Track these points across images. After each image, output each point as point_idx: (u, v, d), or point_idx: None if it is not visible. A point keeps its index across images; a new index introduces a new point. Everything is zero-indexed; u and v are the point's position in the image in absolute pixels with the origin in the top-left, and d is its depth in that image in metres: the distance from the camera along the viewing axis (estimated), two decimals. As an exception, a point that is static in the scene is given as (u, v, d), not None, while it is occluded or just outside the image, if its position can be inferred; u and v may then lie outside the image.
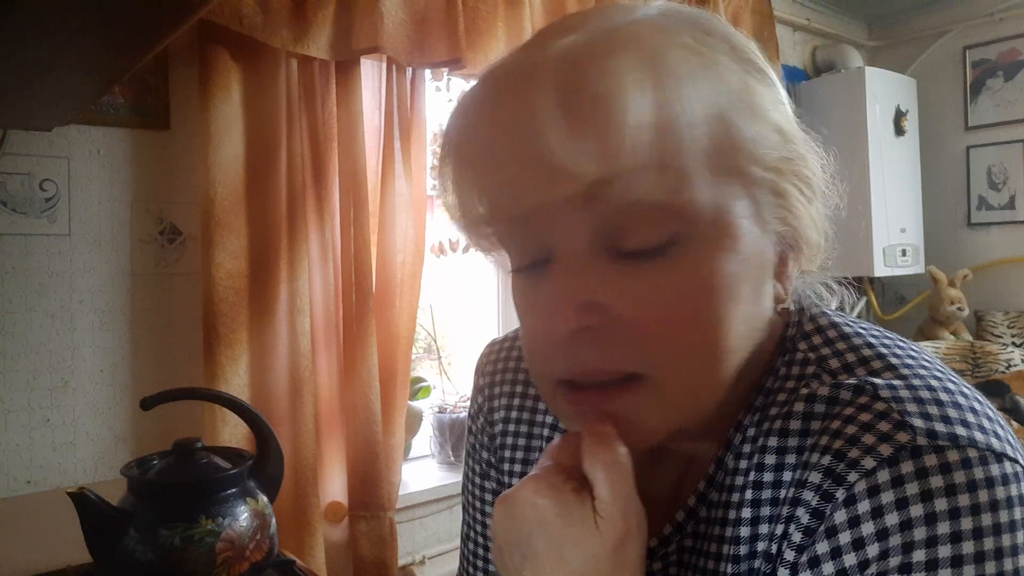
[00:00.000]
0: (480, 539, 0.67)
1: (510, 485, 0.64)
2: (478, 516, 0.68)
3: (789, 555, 0.43)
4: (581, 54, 0.40)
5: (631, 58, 0.39)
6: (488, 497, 0.67)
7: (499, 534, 0.47)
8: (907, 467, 0.39)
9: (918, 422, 0.41)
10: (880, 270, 2.81)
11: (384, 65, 1.67)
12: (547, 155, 0.39)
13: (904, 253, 2.90)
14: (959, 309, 2.88)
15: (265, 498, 1.01)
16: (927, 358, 0.47)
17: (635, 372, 0.43)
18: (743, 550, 0.47)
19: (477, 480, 0.68)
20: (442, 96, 1.88)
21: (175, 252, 1.51)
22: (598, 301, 0.42)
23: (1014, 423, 2.31)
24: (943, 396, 0.43)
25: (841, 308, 0.59)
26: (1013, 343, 2.86)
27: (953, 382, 0.45)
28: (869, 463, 0.40)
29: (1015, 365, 2.63)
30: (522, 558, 0.45)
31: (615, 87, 0.39)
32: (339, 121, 1.60)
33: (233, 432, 1.45)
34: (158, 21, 0.76)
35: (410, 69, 1.68)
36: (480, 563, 0.67)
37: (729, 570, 0.47)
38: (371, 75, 1.73)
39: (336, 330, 1.62)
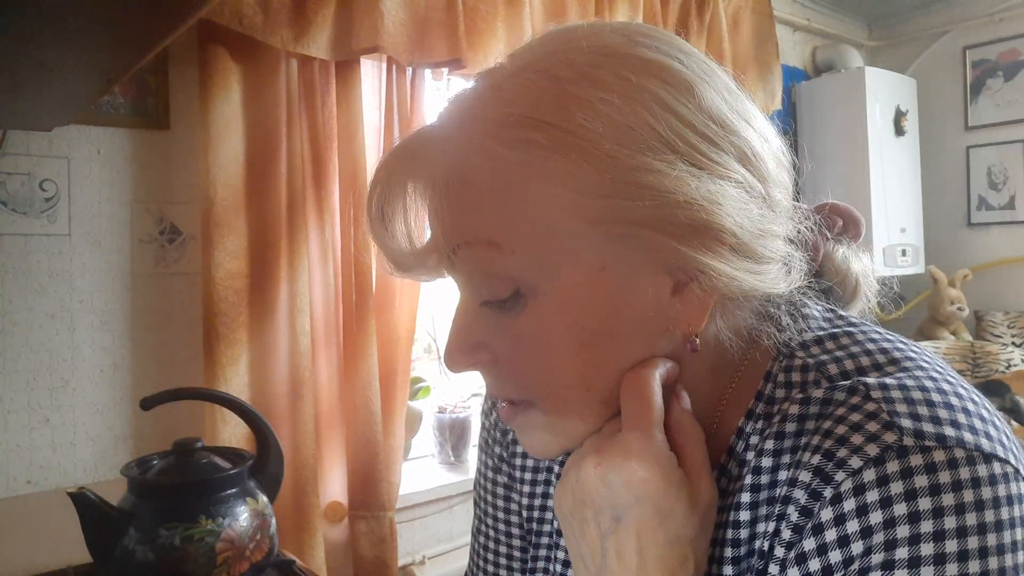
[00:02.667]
0: (491, 532, 0.68)
1: (522, 480, 0.65)
2: (489, 510, 0.68)
3: (779, 552, 0.44)
4: (416, 150, 0.47)
5: (442, 157, 0.45)
6: (500, 491, 0.67)
7: (590, 493, 0.48)
8: (892, 466, 0.40)
9: (906, 422, 0.41)
10: (880, 270, 2.81)
11: (384, 65, 1.67)
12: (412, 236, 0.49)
13: (904, 253, 2.90)
14: (959, 309, 2.88)
15: (265, 498, 1.01)
16: (927, 358, 0.47)
17: (521, 399, 0.49)
18: (742, 551, 0.47)
19: (489, 475, 0.68)
20: (442, 96, 1.88)
21: (175, 252, 1.51)
22: (484, 341, 0.48)
23: (1014, 423, 2.31)
24: (935, 396, 0.43)
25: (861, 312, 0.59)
26: (1013, 343, 2.86)
27: (949, 382, 0.44)
28: (856, 462, 0.41)
29: (1015, 365, 2.63)
30: (615, 521, 0.46)
31: (426, 197, 0.47)
32: (339, 121, 1.60)
33: (233, 432, 1.45)
34: (158, 21, 0.76)
35: (410, 69, 1.68)
36: (491, 556, 0.67)
37: (729, 571, 0.48)
38: (371, 75, 1.73)
39: (336, 330, 1.62)
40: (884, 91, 2.86)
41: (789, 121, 3.02)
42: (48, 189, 1.38)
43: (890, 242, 2.85)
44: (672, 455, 0.46)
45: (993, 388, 2.44)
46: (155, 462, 0.99)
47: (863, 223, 0.59)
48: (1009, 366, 2.63)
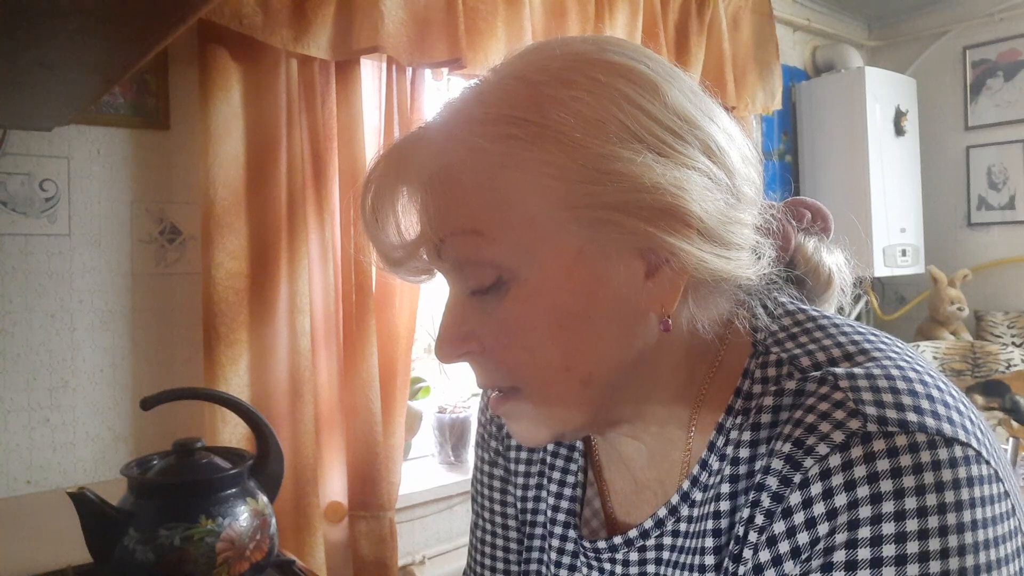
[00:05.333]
0: (488, 526, 0.69)
1: (516, 472, 0.67)
2: (486, 504, 0.69)
3: (752, 536, 0.46)
4: (405, 151, 0.49)
5: (429, 156, 0.48)
6: (496, 484, 0.69)
7: None
8: (856, 452, 0.42)
9: (871, 409, 0.43)
10: (880, 270, 2.81)
11: (384, 65, 1.67)
12: (399, 228, 0.50)
13: (904, 253, 2.90)
14: (959, 309, 2.88)
15: (265, 498, 1.01)
16: (896, 348, 0.49)
17: (509, 386, 0.51)
18: (723, 539, 0.49)
19: (486, 468, 0.70)
20: (442, 96, 1.88)
21: (175, 252, 1.51)
22: (472, 331, 0.50)
23: (1014, 423, 2.31)
24: (900, 384, 0.45)
25: (840, 308, 0.61)
26: (1013, 343, 2.86)
27: (916, 370, 0.46)
28: (823, 449, 0.43)
29: (1015, 365, 2.63)
30: None
31: (414, 189, 0.49)
32: (339, 121, 1.60)
33: (233, 432, 1.45)
34: (158, 21, 0.76)
35: (410, 69, 1.68)
36: (488, 549, 0.69)
37: (710, 560, 0.50)
38: (371, 75, 1.73)
39: (336, 330, 1.62)
40: (884, 91, 2.86)
41: (789, 121, 3.02)
42: (48, 189, 1.38)
43: (890, 242, 2.84)
44: None
45: (993, 388, 2.44)
46: (155, 462, 0.99)
47: (831, 217, 0.61)
48: (1009, 366, 2.63)
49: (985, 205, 3.09)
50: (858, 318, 3.09)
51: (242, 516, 0.95)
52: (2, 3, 0.65)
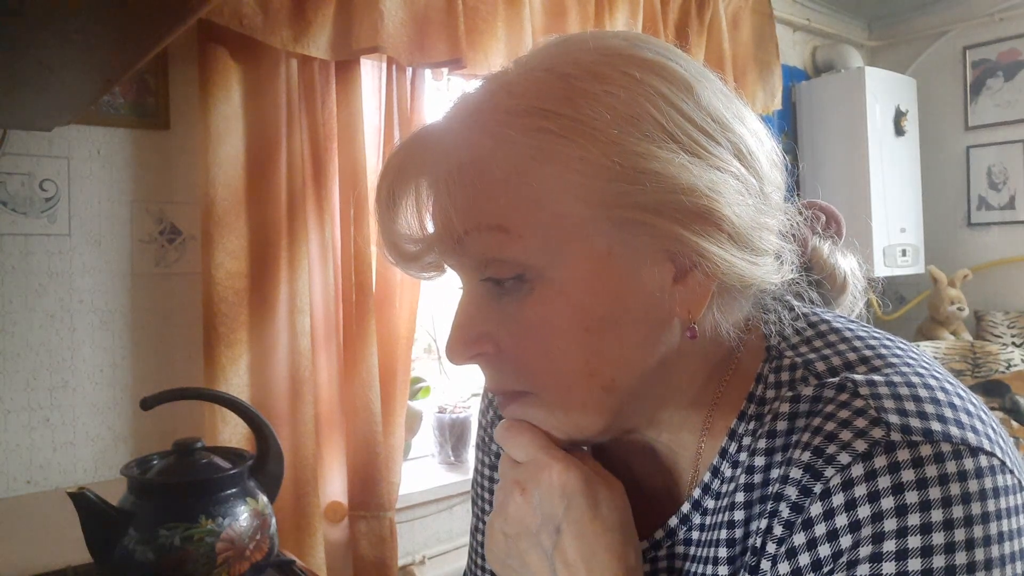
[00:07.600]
0: None
1: None
2: (486, 508, 0.68)
3: (771, 548, 0.45)
4: (427, 141, 0.47)
5: (453, 146, 0.46)
6: (496, 488, 0.67)
7: (523, 522, 0.50)
8: (880, 461, 0.40)
9: (893, 418, 0.42)
10: (880, 270, 2.81)
11: (384, 65, 1.67)
12: (419, 221, 0.49)
13: (904, 253, 2.90)
14: (959, 309, 2.88)
15: (265, 498, 1.01)
16: (913, 354, 0.48)
17: (520, 390, 0.49)
18: (737, 549, 0.48)
19: (486, 472, 0.69)
20: (442, 96, 1.88)
21: (175, 252, 1.51)
22: (487, 332, 0.48)
23: (1014, 423, 2.31)
24: (922, 392, 0.44)
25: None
26: (1013, 343, 2.86)
27: (936, 377, 0.45)
28: (845, 458, 0.42)
29: (1015, 365, 2.63)
30: (556, 533, 0.48)
31: (437, 183, 0.46)
32: (339, 121, 1.60)
33: (233, 432, 1.45)
34: (158, 21, 0.76)
35: (410, 69, 1.68)
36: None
37: (724, 571, 0.48)
38: (371, 75, 1.73)
39: (336, 330, 1.62)
40: (884, 91, 2.86)
41: (789, 121, 3.02)
42: (48, 189, 1.38)
43: (890, 242, 2.84)
44: (583, 462, 0.50)
45: (993, 388, 2.44)
46: (155, 462, 0.99)
47: (843, 221, 0.60)
48: (1009, 366, 2.63)
49: (985, 205, 3.10)
50: (857, 318, 3.09)
51: (242, 516, 0.95)
52: (2, 3, 0.65)
